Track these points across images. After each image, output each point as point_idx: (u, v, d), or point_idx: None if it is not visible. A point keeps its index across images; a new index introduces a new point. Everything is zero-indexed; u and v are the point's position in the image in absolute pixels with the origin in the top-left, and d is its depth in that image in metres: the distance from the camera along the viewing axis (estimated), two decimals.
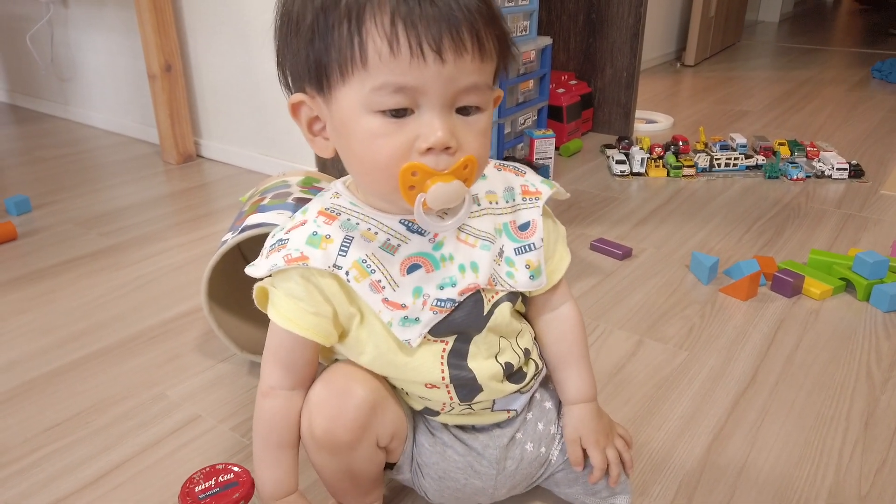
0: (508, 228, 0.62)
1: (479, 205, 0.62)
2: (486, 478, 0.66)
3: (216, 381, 0.96)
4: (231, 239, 0.91)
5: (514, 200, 0.64)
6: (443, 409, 0.64)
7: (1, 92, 2.53)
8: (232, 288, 0.98)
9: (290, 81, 0.57)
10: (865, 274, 1.15)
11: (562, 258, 0.67)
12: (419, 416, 0.67)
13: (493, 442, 0.67)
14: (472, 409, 0.64)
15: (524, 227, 0.63)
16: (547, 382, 0.72)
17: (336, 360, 0.66)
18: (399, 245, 0.58)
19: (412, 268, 0.58)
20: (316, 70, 0.53)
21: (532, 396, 0.69)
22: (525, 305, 0.69)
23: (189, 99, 1.84)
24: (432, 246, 0.59)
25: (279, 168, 1.69)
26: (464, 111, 0.53)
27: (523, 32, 1.72)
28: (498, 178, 0.64)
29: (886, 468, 0.79)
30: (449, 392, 0.62)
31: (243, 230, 0.91)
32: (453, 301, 0.59)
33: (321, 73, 0.52)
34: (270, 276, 0.59)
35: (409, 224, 0.59)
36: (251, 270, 0.59)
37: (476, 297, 0.60)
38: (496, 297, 0.62)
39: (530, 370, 0.66)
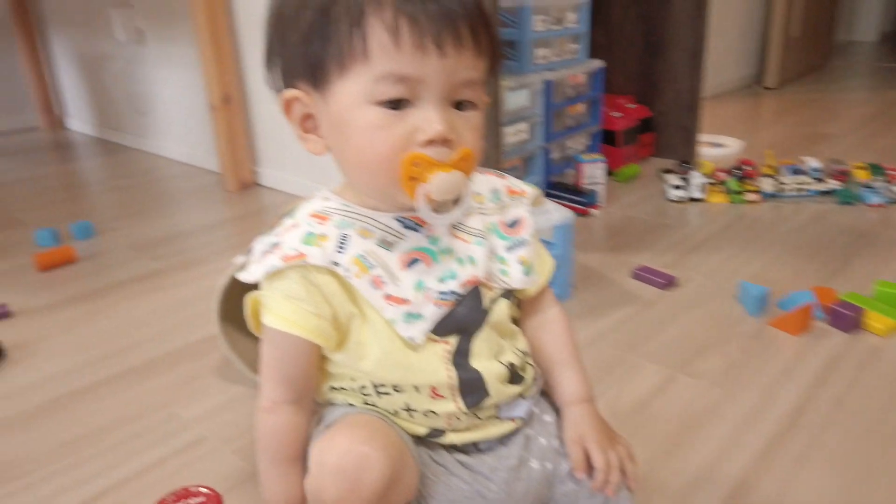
0: (497, 228, 0.63)
1: None
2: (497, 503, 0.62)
3: (228, 403, 0.96)
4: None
5: (500, 200, 0.64)
6: (449, 425, 0.61)
7: (92, 126, 2.72)
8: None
9: (278, 80, 0.57)
10: None
11: (545, 260, 0.67)
12: (421, 448, 0.64)
13: (500, 464, 0.63)
14: (478, 418, 0.61)
15: (513, 223, 0.63)
16: (543, 395, 0.69)
17: (331, 402, 0.64)
18: (395, 241, 0.58)
19: (411, 263, 0.57)
20: (313, 66, 0.53)
21: (532, 410, 0.66)
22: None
23: (247, 129, 1.91)
24: (428, 241, 0.58)
25: None
26: (459, 106, 0.53)
27: (572, 56, 1.69)
28: (482, 180, 0.65)
29: None
30: (455, 400, 0.59)
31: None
32: (456, 294, 0.58)
33: (318, 68, 0.53)
34: (261, 287, 0.58)
35: (405, 220, 0.58)
36: (244, 276, 0.58)
37: (476, 292, 0.59)
38: (492, 294, 0.61)
39: (528, 373, 0.65)
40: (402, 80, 0.50)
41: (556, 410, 0.67)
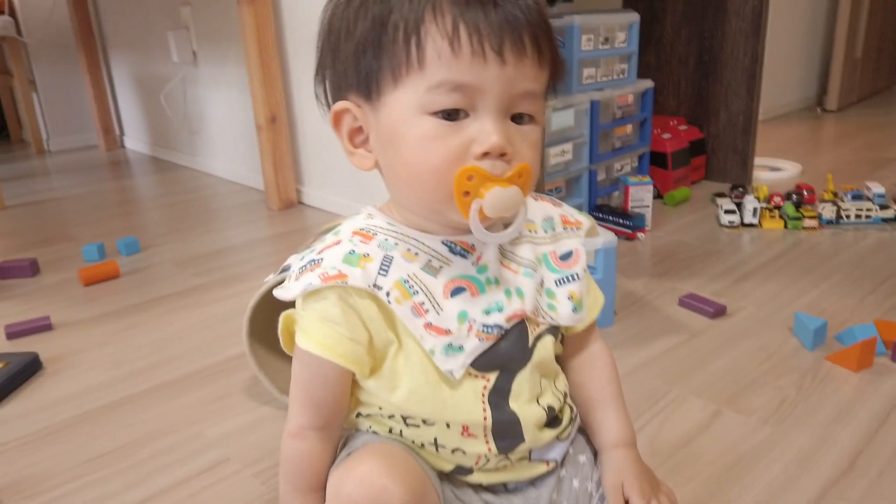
0: (548, 259, 0.59)
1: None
2: None
3: (254, 423, 0.94)
4: (273, 278, 0.91)
5: (553, 230, 0.61)
6: (477, 464, 0.58)
7: (146, 145, 2.80)
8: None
9: (328, 97, 0.56)
10: None
11: (596, 296, 0.63)
12: (445, 484, 0.60)
13: None
14: (508, 460, 0.58)
15: (566, 256, 0.60)
16: (578, 435, 0.64)
17: (356, 428, 0.61)
18: (441, 267, 0.54)
19: (456, 291, 0.54)
20: (366, 76, 0.51)
21: (567, 452, 0.62)
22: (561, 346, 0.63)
23: (292, 148, 1.93)
24: (476, 269, 0.55)
25: None
26: (518, 119, 0.51)
27: (620, 76, 1.65)
28: (535, 207, 0.61)
29: None
30: (487, 441, 0.56)
31: (283, 270, 0.90)
32: (500, 328, 0.54)
33: (371, 78, 0.51)
34: (297, 305, 0.55)
35: (452, 245, 0.55)
36: (281, 293, 0.55)
37: (521, 327, 0.56)
38: (538, 330, 0.57)
39: (566, 416, 0.60)
40: (459, 88, 0.48)
41: (593, 450, 0.63)
